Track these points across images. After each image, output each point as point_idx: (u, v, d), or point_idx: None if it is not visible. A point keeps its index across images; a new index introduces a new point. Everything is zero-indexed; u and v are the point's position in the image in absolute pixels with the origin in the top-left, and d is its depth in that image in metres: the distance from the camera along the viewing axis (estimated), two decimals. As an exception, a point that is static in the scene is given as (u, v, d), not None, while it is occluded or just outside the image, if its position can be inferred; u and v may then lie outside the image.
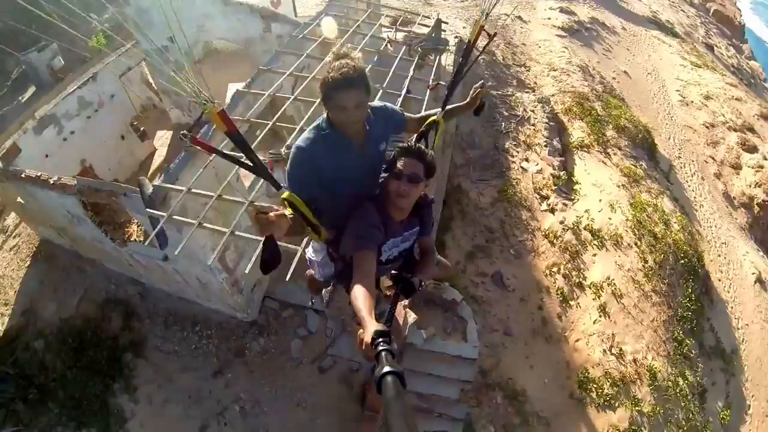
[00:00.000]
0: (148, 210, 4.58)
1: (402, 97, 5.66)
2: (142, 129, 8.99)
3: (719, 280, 8.46)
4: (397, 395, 1.09)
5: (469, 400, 6.18)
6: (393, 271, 2.64)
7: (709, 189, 10.52)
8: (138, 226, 7.25)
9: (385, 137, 2.34)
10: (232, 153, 2.06)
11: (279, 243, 2.13)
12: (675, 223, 8.42)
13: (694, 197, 10.06)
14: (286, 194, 2.01)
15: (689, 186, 10.30)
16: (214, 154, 2.13)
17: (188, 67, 1.84)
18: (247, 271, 4.08)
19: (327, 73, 1.98)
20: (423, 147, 2.24)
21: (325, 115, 2.14)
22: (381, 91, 5.60)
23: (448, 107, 2.64)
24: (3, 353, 6.82)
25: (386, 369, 1.18)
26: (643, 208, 8.30)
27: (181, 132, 2.18)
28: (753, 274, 8.87)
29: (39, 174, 5.76)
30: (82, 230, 6.40)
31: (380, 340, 1.39)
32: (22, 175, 5.85)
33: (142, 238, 6.87)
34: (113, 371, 6.34)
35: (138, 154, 8.96)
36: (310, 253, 2.81)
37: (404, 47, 6.89)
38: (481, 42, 2.70)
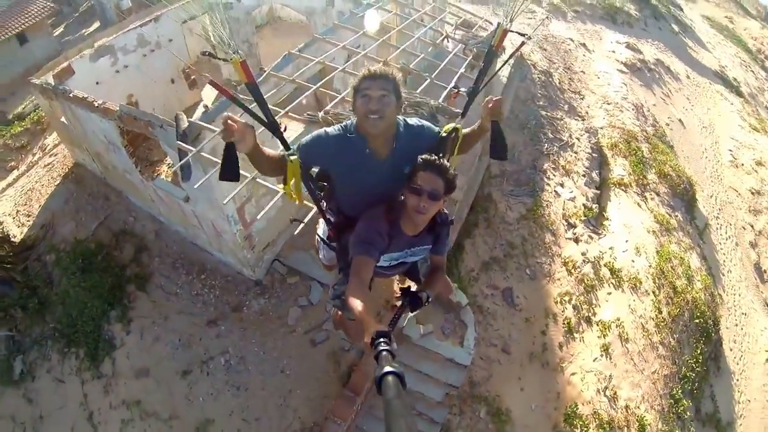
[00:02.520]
0: (178, 143, 4.74)
1: (447, 91, 5.72)
2: (192, 78, 9.28)
3: (731, 350, 8.22)
4: (397, 395, 1.10)
5: (451, 406, 6.15)
6: (400, 286, 2.66)
7: (741, 256, 10.21)
8: (168, 167, 7.50)
9: (413, 159, 2.17)
10: (244, 104, 2.07)
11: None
12: (698, 281, 8.21)
13: (724, 261, 9.77)
14: (293, 158, 2.11)
15: (721, 248, 10.01)
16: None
17: (223, 19, 1.93)
18: (260, 223, 4.19)
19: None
20: (444, 162, 2.14)
21: (354, 120, 2.20)
22: (428, 80, 5.68)
23: (471, 128, 2.40)
24: (15, 260, 7.15)
25: (387, 369, 1.18)
26: (669, 258, 8.12)
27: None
28: (766, 352, 8.59)
29: (86, 96, 6.06)
30: (115, 158, 6.67)
31: (381, 340, 1.41)
32: (71, 95, 6.16)
33: (170, 179, 7.11)
34: (113, 299, 6.57)
35: (184, 101, 9.23)
36: (319, 230, 2.85)
37: (460, 45, 6.97)
38: (509, 45, 2.64)
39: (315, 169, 2.15)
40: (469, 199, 7.73)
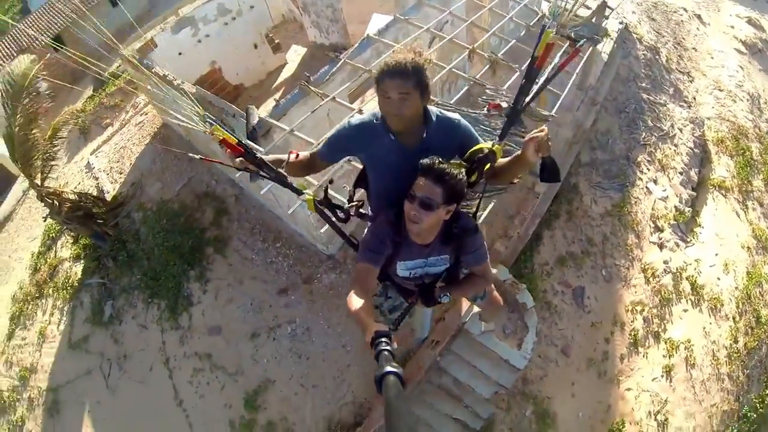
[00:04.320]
0: (246, 141, 4.97)
1: (539, 89, 5.41)
2: (276, 41, 9.49)
3: None
4: (397, 395, 1.14)
5: (499, 402, 6.31)
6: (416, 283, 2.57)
7: None
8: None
9: (445, 154, 2.10)
10: (255, 159, 2.18)
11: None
12: None
13: None
14: (307, 198, 2.27)
15: None
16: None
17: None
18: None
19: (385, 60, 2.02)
20: (448, 167, 1.98)
21: None
22: (517, 73, 5.43)
23: (512, 156, 2.18)
24: (108, 216, 8.01)
25: (387, 369, 1.22)
26: (759, 282, 7.49)
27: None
28: None
29: (166, 74, 6.45)
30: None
31: (381, 340, 1.44)
32: (153, 70, 6.58)
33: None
34: (193, 259, 7.26)
35: (268, 64, 9.51)
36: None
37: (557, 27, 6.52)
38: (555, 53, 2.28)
39: (349, 187, 2.32)
40: (552, 192, 7.51)
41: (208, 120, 2.09)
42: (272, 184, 4.38)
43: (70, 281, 8.01)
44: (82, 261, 8.15)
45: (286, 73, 9.85)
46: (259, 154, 2.20)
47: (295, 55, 10.26)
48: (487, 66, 5.60)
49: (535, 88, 2.29)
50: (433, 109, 2.19)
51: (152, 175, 8.14)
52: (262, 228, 7.27)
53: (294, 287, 6.79)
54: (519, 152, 2.05)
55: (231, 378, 6.62)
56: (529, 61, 2.13)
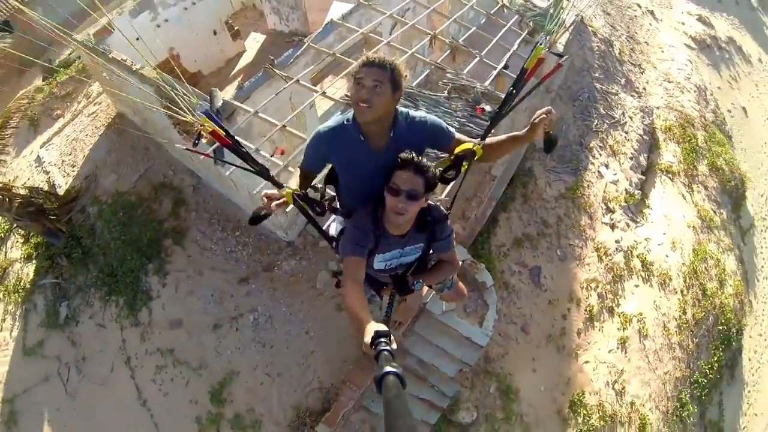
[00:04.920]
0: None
1: (496, 71, 5.62)
2: (236, 28, 9.38)
3: (749, 359, 8.20)
4: (397, 395, 1.14)
5: (463, 380, 6.51)
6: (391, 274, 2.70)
7: None
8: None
9: (415, 150, 2.22)
10: (242, 151, 2.20)
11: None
12: (731, 286, 8.13)
13: (762, 266, 9.54)
14: (286, 191, 2.28)
15: (762, 254, 9.74)
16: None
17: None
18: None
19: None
20: (423, 159, 2.14)
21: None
22: (477, 59, 5.61)
23: (511, 134, 2.35)
24: (61, 212, 7.70)
25: (387, 369, 1.23)
26: (704, 258, 8.04)
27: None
28: None
29: (125, 59, 6.30)
30: (153, 116, 6.99)
31: (381, 340, 1.47)
32: (110, 56, 6.42)
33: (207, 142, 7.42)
34: (151, 252, 7.11)
35: (227, 51, 9.36)
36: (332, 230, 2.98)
37: (516, 17, 6.75)
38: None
39: (319, 185, 2.40)
40: (508, 176, 7.76)
41: (197, 112, 2.06)
42: (235, 168, 4.46)
43: (21, 283, 7.65)
44: (33, 261, 7.80)
45: (245, 60, 9.75)
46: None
47: (254, 42, 10.16)
48: (447, 52, 5.76)
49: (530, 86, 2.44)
50: (402, 111, 2.27)
51: (107, 166, 7.91)
52: (220, 217, 7.21)
53: (254, 276, 6.78)
54: (517, 133, 2.25)
55: (195, 372, 6.54)
56: (519, 72, 2.28)
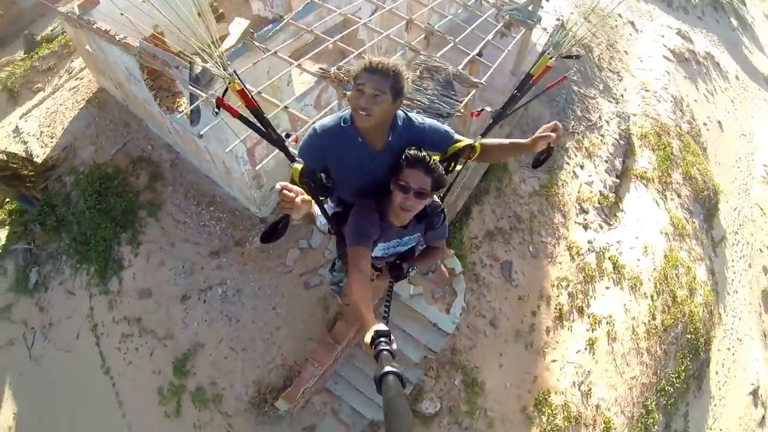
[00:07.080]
0: (190, 86, 5.15)
1: (469, 57, 5.87)
2: (220, 11, 9.57)
3: (716, 373, 8.34)
4: (397, 395, 1.15)
5: (427, 369, 6.60)
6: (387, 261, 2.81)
7: (751, 279, 10.20)
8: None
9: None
10: (252, 122, 2.08)
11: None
12: (701, 295, 8.27)
13: (732, 280, 9.78)
14: (298, 166, 2.11)
15: (732, 266, 10.00)
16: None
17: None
18: (269, 164, 4.61)
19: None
20: (431, 158, 2.19)
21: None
22: (451, 44, 5.86)
23: (514, 140, 2.45)
24: (37, 179, 7.79)
25: (387, 369, 1.24)
26: (676, 265, 8.19)
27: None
28: (752, 384, 8.64)
29: (108, 29, 6.46)
30: (135, 89, 7.14)
31: (381, 339, 1.48)
32: (94, 26, 6.57)
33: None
34: (125, 222, 7.22)
35: (211, 34, 9.49)
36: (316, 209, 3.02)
37: (493, 9, 7.04)
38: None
39: (322, 175, 2.24)
40: (481, 169, 7.92)
41: (228, 73, 1.97)
42: (211, 125, 4.63)
43: (-8, 248, 7.70)
44: (7, 226, 7.89)
45: (228, 44, 9.92)
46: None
47: (238, 28, 10.35)
48: (422, 36, 6.02)
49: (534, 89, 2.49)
50: (400, 114, 2.27)
51: (86, 138, 8.00)
52: (196, 192, 7.35)
53: (226, 250, 6.91)
54: (519, 140, 2.34)
55: (160, 342, 6.64)
56: (524, 77, 2.37)
